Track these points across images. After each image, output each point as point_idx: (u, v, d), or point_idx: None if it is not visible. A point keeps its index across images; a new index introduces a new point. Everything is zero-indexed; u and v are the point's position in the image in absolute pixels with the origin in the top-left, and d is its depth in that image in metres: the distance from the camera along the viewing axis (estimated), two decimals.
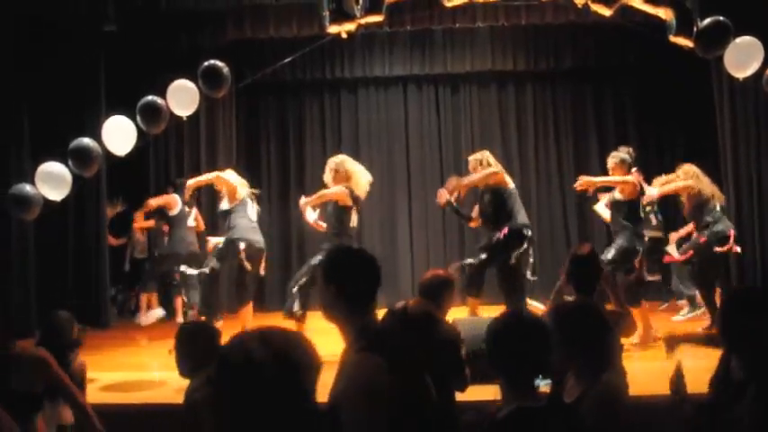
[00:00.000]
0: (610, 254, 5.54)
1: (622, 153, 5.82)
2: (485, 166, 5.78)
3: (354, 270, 2.02)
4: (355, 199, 5.67)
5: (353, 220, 5.72)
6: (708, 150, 8.15)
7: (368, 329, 1.96)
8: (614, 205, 5.84)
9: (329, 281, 2.01)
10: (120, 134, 5.60)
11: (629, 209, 5.66)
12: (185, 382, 3.00)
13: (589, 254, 3.42)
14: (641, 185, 5.80)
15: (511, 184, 5.77)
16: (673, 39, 5.20)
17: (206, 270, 5.82)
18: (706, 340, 5.21)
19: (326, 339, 2.10)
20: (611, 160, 5.82)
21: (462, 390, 3.20)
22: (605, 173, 8.98)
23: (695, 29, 5.13)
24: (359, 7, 5.14)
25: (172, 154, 8.70)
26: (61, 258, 7.64)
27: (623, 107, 9.12)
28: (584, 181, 5.75)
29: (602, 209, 6.17)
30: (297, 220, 9.12)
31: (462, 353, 3.23)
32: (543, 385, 4.09)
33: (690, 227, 6.84)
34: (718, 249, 5.97)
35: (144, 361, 6.06)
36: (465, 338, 3.37)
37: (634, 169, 5.82)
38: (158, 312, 7.67)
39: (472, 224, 6.29)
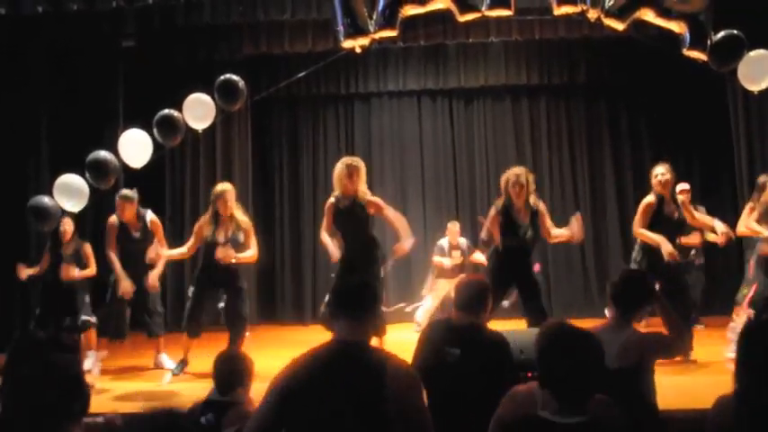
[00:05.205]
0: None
1: None
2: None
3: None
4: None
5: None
6: (723, 163, 8.11)
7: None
8: None
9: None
10: (136, 147, 5.66)
11: None
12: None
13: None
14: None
15: None
16: (686, 52, 5.19)
17: None
18: None
19: None
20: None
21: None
22: (619, 187, 8.95)
23: (709, 42, 5.12)
24: (373, 22, 5.18)
25: (188, 166, 8.78)
26: None
27: (637, 121, 9.08)
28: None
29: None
30: (308, 232, 9.18)
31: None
32: None
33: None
34: None
35: (158, 371, 6.09)
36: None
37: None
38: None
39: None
